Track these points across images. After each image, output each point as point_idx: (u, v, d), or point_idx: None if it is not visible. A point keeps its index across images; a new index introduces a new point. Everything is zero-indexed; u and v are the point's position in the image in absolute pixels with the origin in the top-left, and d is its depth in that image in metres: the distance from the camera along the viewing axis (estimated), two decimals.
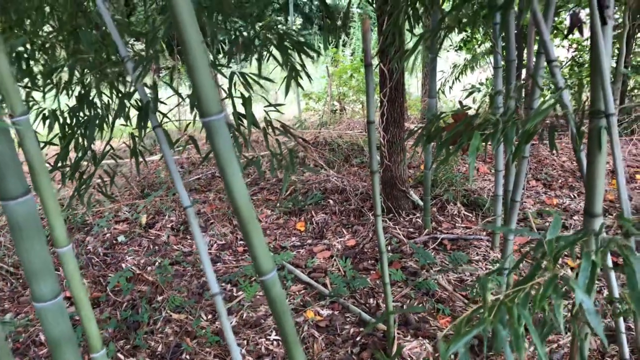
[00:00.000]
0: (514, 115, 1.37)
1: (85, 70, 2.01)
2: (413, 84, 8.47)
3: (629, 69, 5.15)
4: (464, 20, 1.42)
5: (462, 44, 5.29)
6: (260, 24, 1.90)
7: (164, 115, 1.91)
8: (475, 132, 1.27)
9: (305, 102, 6.64)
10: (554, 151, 4.89)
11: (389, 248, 3.35)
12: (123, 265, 3.25)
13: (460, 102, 1.79)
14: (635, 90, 5.60)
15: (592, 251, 0.96)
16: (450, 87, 4.93)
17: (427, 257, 3.12)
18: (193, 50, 0.95)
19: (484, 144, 1.50)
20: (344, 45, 8.77)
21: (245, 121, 1.68)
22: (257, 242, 1.09)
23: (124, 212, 4.02)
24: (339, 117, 6.30)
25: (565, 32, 1.64)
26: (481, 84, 5.95)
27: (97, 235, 3.64)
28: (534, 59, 2.03)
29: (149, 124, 1.61)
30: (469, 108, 1.74)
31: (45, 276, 1.19)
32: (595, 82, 1.29)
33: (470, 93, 1.96)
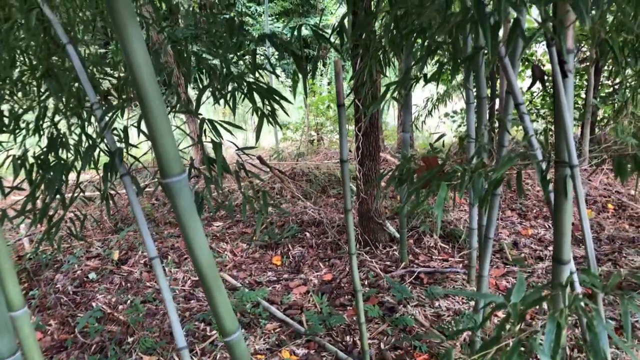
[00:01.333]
0: (482, 162, 1.38)
1: (59, 110, 1.98)
2: (390, 114, 8.58)
3: (598, 100, 5.29)
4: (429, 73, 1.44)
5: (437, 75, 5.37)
6: (235, 61, 1.90)
7: (136, 159, 1.88)
8: (442, 184, 1.27)
9: (283, 132, 6.66)
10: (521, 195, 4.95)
11: (366, 282, 3.33)
12: (93, 304, 3.16)
13: (430, 145, 1.80)
14: (605, 120, 5.74)
15: (559, 311, 0.96)
16: (423, 122, 5.01)
17: (403, 292, 3.10)
18: (154, 112, 0.94)
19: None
20: (320, 75, 8.86)
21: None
22: (220, 302, 1.06)
23: (96, 248, 3.93)
24: (317, 147, 6.32)
25: (528, 85, 1.67)
26: (455, 112, 6.04)
27: (67, 273, 3.54)
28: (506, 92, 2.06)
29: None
30: (439, 151, 1.76)
31: (2, 333, 1.15)
32: (559, 135, 1.31)
33: (441, 137, 1.99)
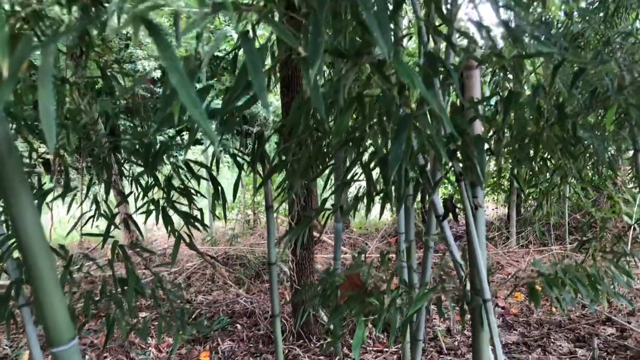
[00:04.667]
0: (398, 293, 1.36)
1: None
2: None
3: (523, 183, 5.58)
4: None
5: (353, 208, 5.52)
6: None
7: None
8: (360, 320, 1.24)
9: (219, 211, 6.48)
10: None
11: None
12: None
13: (353, 257, 1.79)
14: (530, 201, 6.04)
15: None
16: (357, 211, 5.08)
17: None
18: (43, 276, 0.86)
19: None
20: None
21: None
22: None
23: (3, 347, 3.58)
24: (253, 226, 6.23)
25: (441, 219, 1.70)
26: None
27: None
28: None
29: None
30: (361, 267, 1.74)
31: None
32: (472, 269, 1.33)
33: (360, 253, 1.99)
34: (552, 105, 1.14)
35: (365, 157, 1.27)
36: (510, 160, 1.44)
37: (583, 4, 3.38)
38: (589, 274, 1.53)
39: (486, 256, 1.38)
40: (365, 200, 1.31)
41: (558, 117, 1.10)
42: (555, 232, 5.63)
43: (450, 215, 1.33)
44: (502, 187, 6.23)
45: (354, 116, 1.23)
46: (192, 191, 2.05)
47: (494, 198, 6.67)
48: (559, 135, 1.15)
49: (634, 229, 4.97)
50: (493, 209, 6.71)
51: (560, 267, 1.50)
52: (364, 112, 0.85)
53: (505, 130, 1.26)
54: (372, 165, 1.21)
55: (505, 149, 1.28)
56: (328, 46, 0.72)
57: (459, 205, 1.37)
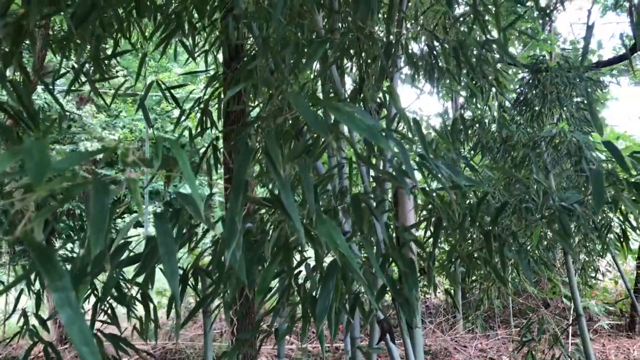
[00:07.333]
0: None
1: None
2: None
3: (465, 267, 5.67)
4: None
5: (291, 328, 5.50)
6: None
7: None
8: None
9: (158, 301, 6.21)
10: None
11: None
12: None
13: (299, 349, 1.72)
14: (474, 284, 6.12)
15: None
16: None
17: None
18: None
19: None
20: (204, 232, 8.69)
21: None
22: None
23: None
24: (196, 315, 5.95)
25: (377, 341, 1.70)
26: None
27: None
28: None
29: None
30: None
31: None
32: None
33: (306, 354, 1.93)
34: (480, 232, 1.19)
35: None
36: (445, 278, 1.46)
37: (512, 95, 3.62)
38: None
39: None
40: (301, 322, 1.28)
41: (485, 243, 1.13)
42: (500, 317, 5.70)
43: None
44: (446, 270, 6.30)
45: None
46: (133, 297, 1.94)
47: (439, 281, 6.72)
48: (487, 259, 1.19)
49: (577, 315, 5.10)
50: (439, 292, 6.74)
51: None
52: (290, 262, 0.85)
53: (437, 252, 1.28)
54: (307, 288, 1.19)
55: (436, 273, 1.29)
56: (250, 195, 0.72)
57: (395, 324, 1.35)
